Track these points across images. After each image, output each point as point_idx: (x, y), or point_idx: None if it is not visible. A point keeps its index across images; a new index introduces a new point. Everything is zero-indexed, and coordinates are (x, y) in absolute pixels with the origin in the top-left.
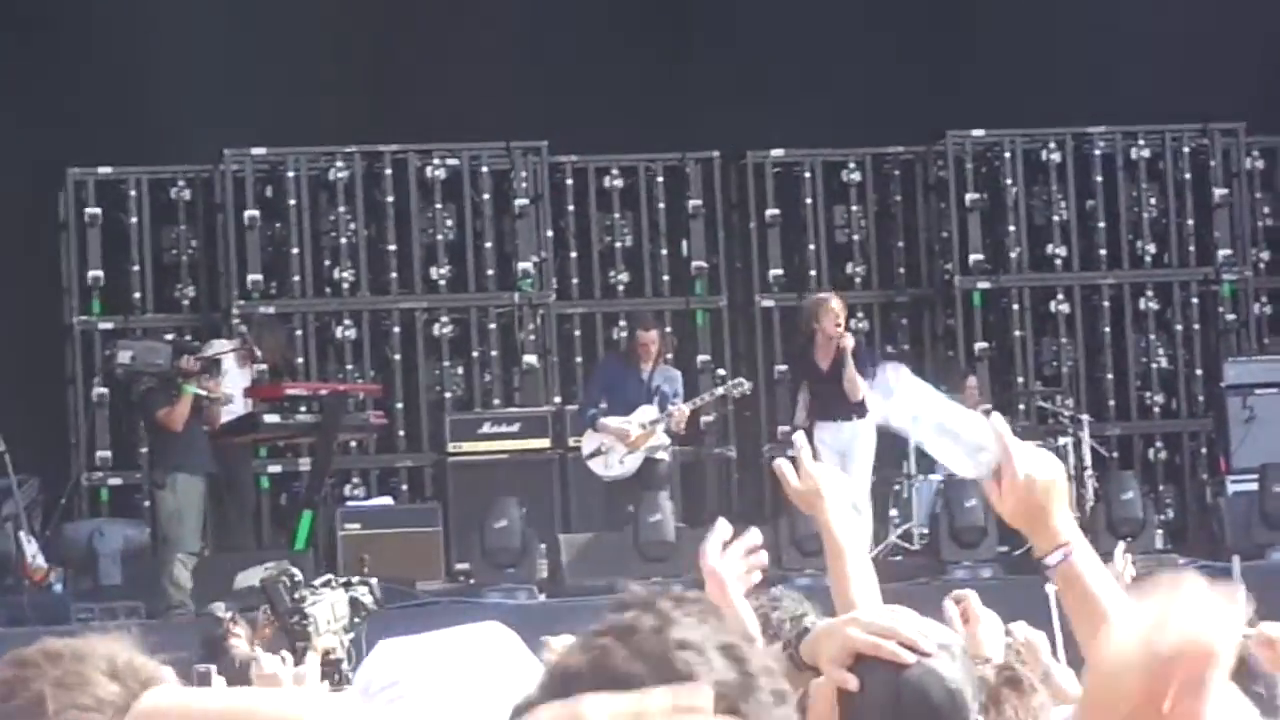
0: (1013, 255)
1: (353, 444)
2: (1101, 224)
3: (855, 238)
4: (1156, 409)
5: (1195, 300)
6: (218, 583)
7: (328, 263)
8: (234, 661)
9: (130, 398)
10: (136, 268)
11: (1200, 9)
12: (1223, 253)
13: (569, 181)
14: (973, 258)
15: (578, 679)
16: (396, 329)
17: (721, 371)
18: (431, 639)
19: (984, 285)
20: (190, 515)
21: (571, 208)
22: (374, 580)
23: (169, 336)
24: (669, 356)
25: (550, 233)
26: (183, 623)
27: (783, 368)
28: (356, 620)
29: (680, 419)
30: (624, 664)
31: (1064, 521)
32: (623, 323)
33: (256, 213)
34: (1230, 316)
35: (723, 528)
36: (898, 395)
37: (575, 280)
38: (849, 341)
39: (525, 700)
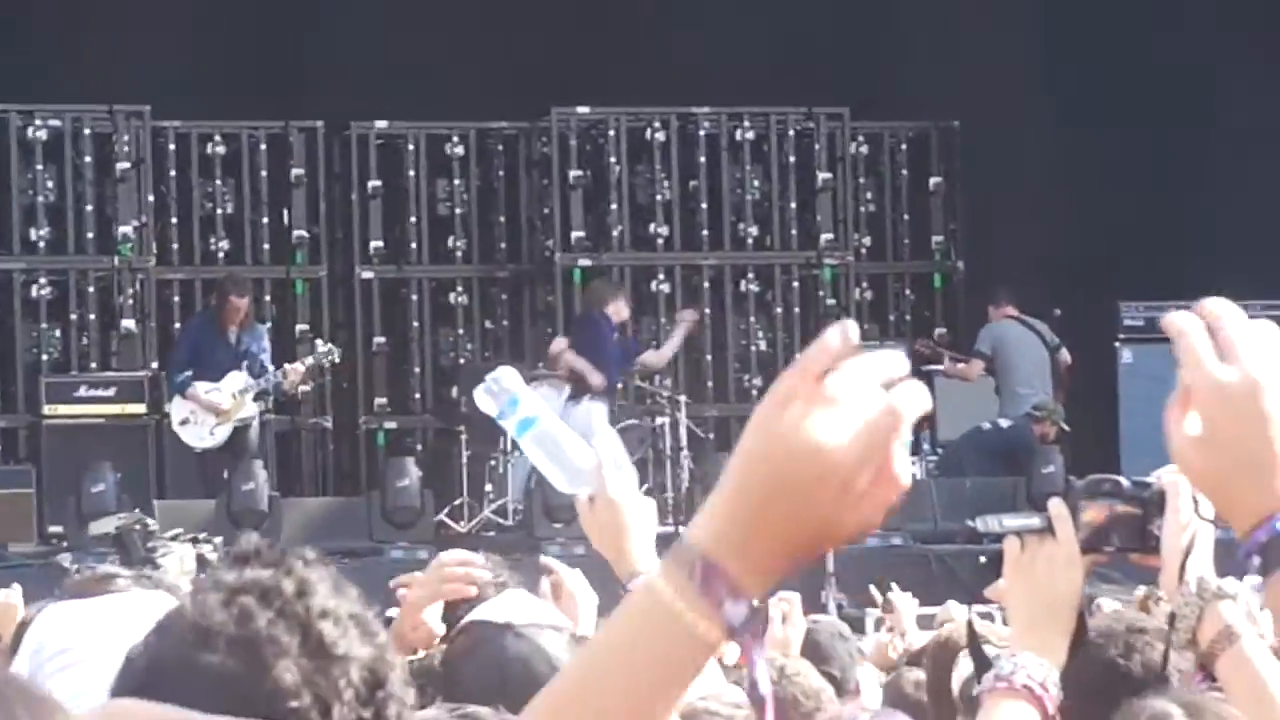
0: (615, 233)
1: None
2: (704, 205)
3: (458, 211)
4: (755, 391)
5: (796, 284)
6: None
7: None
8: None
9: None
10: None
11: None
12: (825, 237)
13: (171, 147)
14: (574, 235)
15: (218, 636)
16: None
17: (319, 342)
18: (100, 605)
19: (585, 263)
20: None
21: (173, 173)
22: (218, 539)
23: None
24: (267, 324)
25: (151, 198)
26: None
27: (381, 339)
28: (202, 575)
29: (296, 377)
30: (268, 627)
31: (643, 550)
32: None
33: None
34: (830, 301)
35: None
36: (514, 396)
37: (176, 246)
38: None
39: (137, 650)
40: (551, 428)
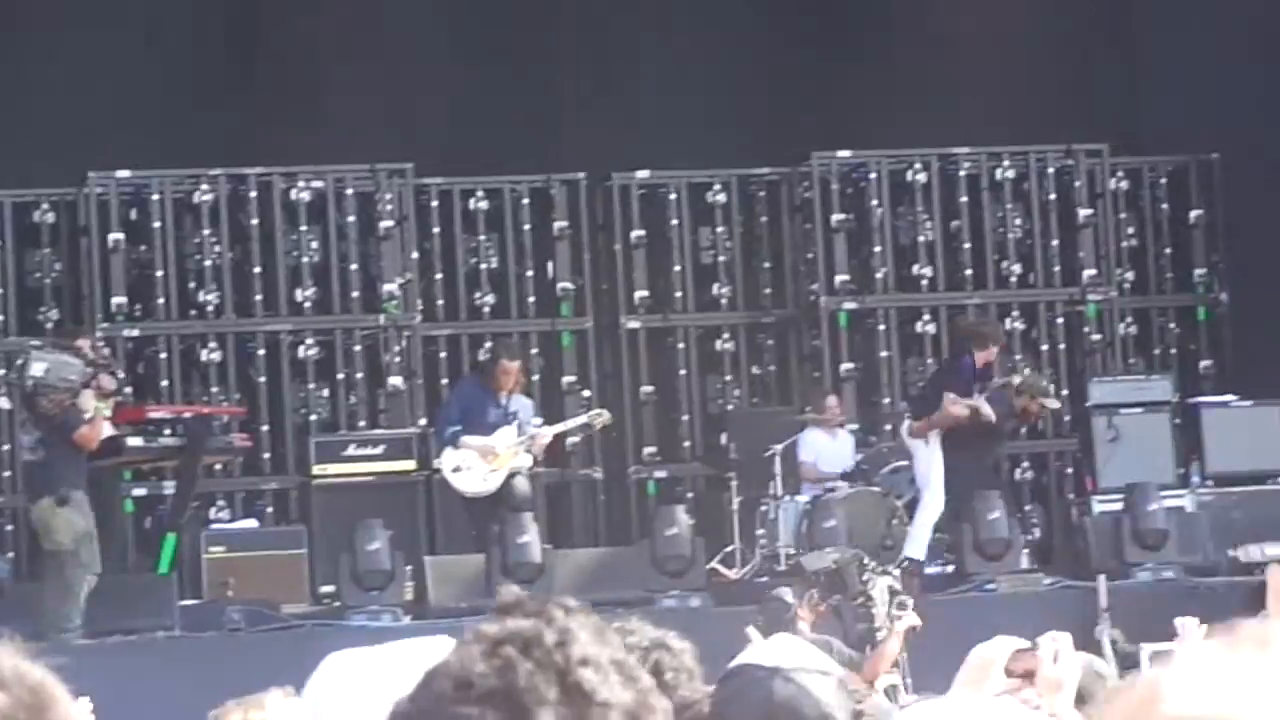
0: (878, 275)
1: (217, 466)
2: (967, 244)
3: (721, 259)
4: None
5: (1060, 320)
6: (98, 607)
7: (193, 285)
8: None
9: (37, 411)
10: (0, 290)
11: (1063, 32)
12: (1087, 273)
13: (434, 203)
14: (838, 278)
15: (479, 688)
16: (261, 351)
17: (587, 393)
18: (383, 653)
19: (850, 306)
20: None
21: (436, 230)
22: (896, 569)
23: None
24: (526, 383)
25: (415, 255)
26: (78, 647)
27: (649, 389)
28: (895, 609)
29: (542, 443)
30: (528, 678)
31: None
32: (488, 344)
33: (121, 236)
34: (1095, 337)
35: None
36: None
37: (440, 302)
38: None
39: (402, 704)
40: None
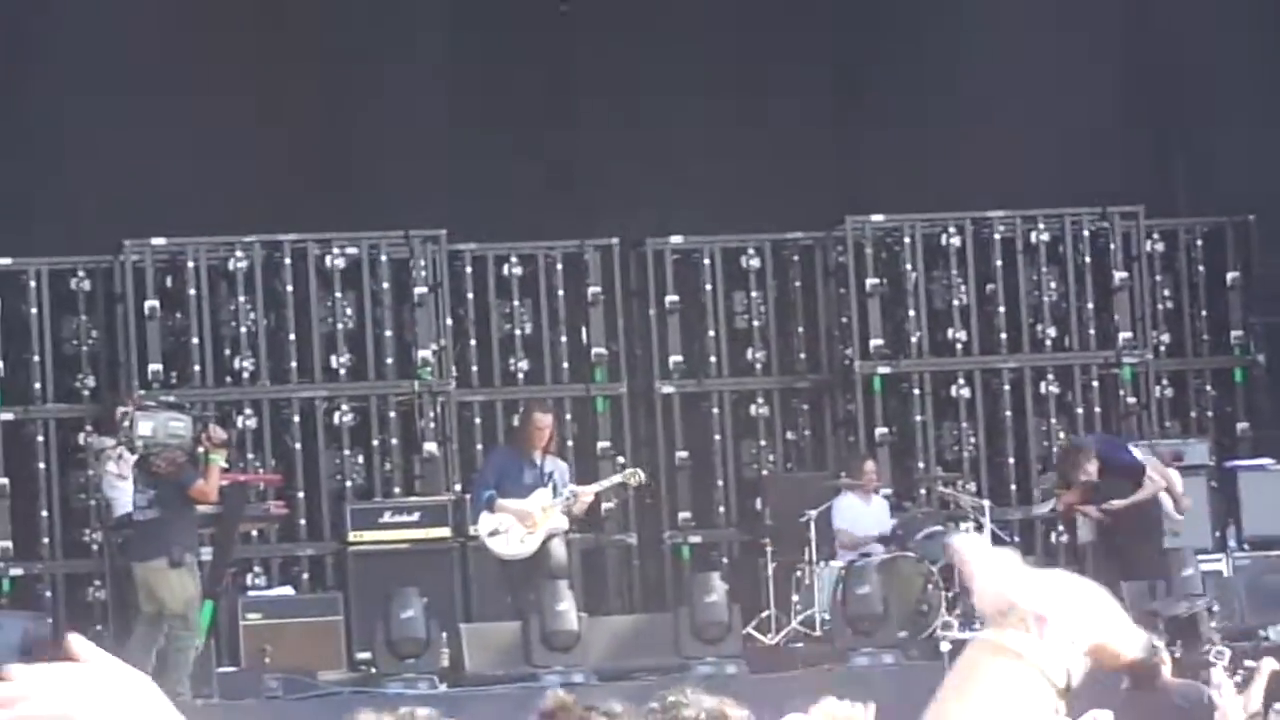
0: (913, 340)
1: (254, 533)
2: (1001, 308)
3: (755, 324)
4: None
5: (1096, 383)
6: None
7: (228, 352)
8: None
9: (150, 471)
10: (36, 358)
11: (1098, 94)
12: (1123, 336)
13: (468, 269)
14: (873, 343)
15: None
16: (297, 418)
17: (621, 459)
18: None
19: (884, 370)
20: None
21: (471, 295)
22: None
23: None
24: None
25: (449, 320)
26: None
27: (684, 454)
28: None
29: (583, 504)
30: None
31: None
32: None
33: (156, 303)
34: (1131, 400)
35: None
36: None
37: (475, 368)
38: None
39: None
40: None
